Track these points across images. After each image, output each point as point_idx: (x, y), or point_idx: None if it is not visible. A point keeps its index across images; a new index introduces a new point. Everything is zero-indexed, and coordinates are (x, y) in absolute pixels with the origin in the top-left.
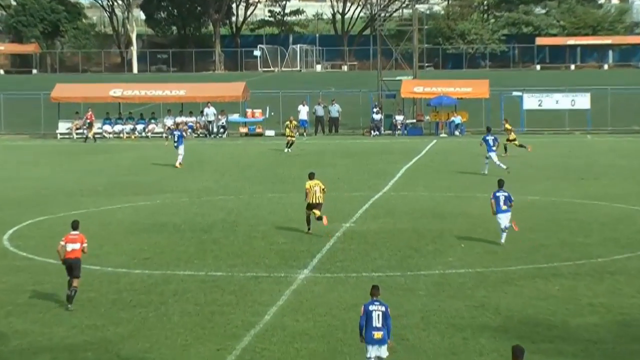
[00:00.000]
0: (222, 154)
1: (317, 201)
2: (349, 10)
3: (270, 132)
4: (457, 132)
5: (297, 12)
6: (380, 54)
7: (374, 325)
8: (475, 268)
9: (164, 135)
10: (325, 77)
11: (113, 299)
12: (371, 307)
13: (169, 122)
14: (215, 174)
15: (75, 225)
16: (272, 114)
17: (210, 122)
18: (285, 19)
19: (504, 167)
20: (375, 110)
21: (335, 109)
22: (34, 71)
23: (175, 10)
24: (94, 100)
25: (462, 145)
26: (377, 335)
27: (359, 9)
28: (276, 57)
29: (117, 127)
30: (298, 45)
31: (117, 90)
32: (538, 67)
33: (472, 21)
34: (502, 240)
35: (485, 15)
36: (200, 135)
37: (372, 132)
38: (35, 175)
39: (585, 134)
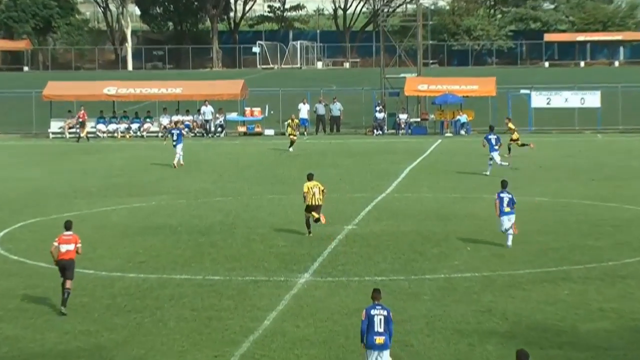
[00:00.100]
0: (220, 154)
1: (316, 203)
2: (350, 5)
3: (269, 132)
4: (462, 132)
5: (297, 7)
6: (383, 51)
7: (375, 330)
8: (482, 272)
9: (160, 134)
10: (327, 74)
11: (107, 304)
12: (373, 312)
13: (164, 121)
14: (213, 175)
15: (68, 226)
16: (272, 112)
17: (207, 121)
18: (285, 14)
19: (507, 164)
20: (378, 108)
21: (336, 108)
22: (25, 68)
23: (172, 6)
24: (87, 98)
25: (468, 145)
26: (379, 340)
27: (361, 4)
28: (276, 53)
29: (111, 126)
30: (298, 42)
31: (111, 88)
32: (546, 64)
33: (478, 17)
34: (509, 243)
35: (492, 11)
36: (198, 134)
37: (375, 131)
38: (26, 176)
39: (596, 133)
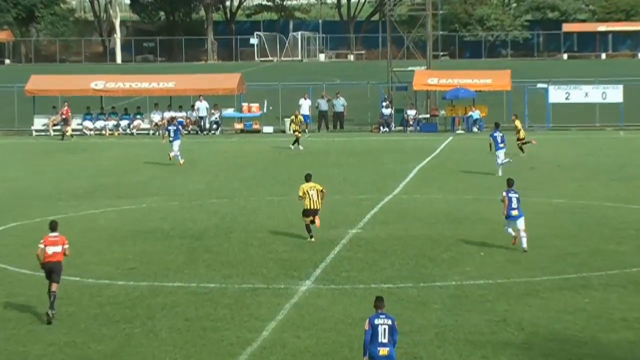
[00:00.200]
0: (215, 153)
1: (314, 207)
2: None
3: (268, 129)
4: (475, 129)
5: None
6: (390, 42)
7: (379, 340)
8: (496, 279)
9: (152, 132)
10: (330, 67)
11: (94, 313)
12: (377, 321)
13: (156, 117)
14: (208, 175)
15: (54, 226)
16: (271, 108)
17: (202, 117)
18: (284, 3)
19: (507, 160)
20: (384, 104)
21: (340, 103)
22: (7, 61)
23: None
24: (73, 93)
25: (481, 143)
26: (383, 351)
27: None
28: (275, 45)
29: (99, 123)
30: (299, 33)
31: (98, 83)
32: (565, 56)
33: (491, 5)
34: (524, 246)
35: None
36: (191, 132)
37: (381, 128)
38: (8, 177)
39: (618, 130)
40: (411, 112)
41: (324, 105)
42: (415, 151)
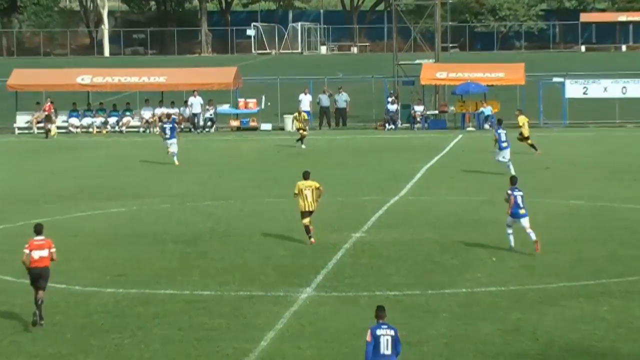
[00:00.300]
0: (210, 152)
1: (308, 208)
2: None
3: (266, 126)
4: (486, 126)
5: None
6: (396, 34)
7: (382, 352)
8: (509, 286)
9: (143, 129)
10: (332, 60)
11: (82, 323)
12: (379, 332)
13: (146, 114)
14: (202, 175)
15: (39, 229)
16: (269, 104)
17: (195, 114)
18: None
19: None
20: (390, 99)
21: (342, 99)
22: None
23: None
24: (58, 88)
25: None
26: None
27: None
28: (273, 37)
29: (86, 121)
30: (299, 23)
31: (85, 77)
32: (583, 48)
33: None
34: (534, 238)
35: None
36: (185, 129)
37: (387, 125)
38: None
39: (639, 127)
40: (418, 108)
41: (325, 100)
42: (423, 150)
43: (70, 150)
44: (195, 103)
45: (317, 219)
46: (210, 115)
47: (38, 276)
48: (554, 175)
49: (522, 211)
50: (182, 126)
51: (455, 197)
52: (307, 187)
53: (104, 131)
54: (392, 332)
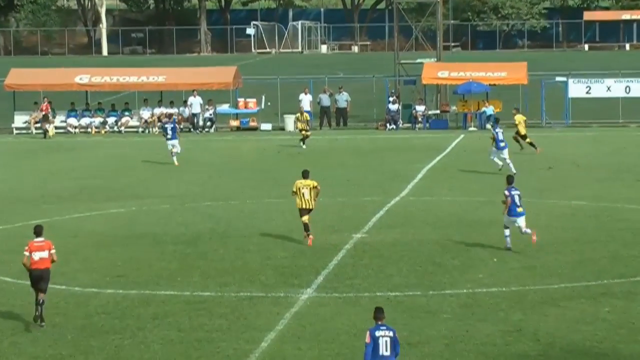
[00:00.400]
0: (210, 152)
1: (305, 206)
2: None
3: (266, 126)
4: (488, 126)
5: None
6: (397, 32)
7: (380, 353)
8: (510, 286)
9: (142, 129)
10: (332, 59)
11: (82, 324)
12: (378, 333)
13: (145, 114)
14: (202, 176)
15: (38, 231)
16: (269, 104)
17: (195, 114)
18: None
19: (500, 164)
20: (391, 99)
21: (343, 98)
22: None
23: None
24: (55, 88)
25: None
26: None
27: None
28: (273, 36)
29: (84, 121)
30: (299, 22)
31: (83, 77)
32: (586, 47)
33: None
34: (533, 237)
35: None
36: (184, 129)
37: (388, 125)
38: None
39: None
40: (420, 108)
41: (326, 100)
42: (424, 150)
43: (69, 150)
44: (195, 103)
45: (317, 220)
46: (210, 115)
47: (39, 278)
48: (555, 176)
49: (519, 209)
50: (182, 126)
51: (457, 197)
52: (305, 185)
53: (103, 131)
54: (391, 333)
